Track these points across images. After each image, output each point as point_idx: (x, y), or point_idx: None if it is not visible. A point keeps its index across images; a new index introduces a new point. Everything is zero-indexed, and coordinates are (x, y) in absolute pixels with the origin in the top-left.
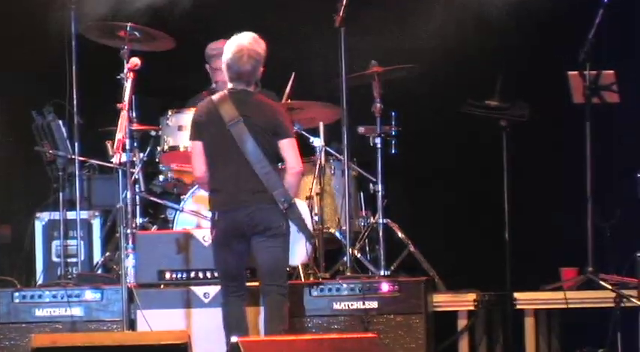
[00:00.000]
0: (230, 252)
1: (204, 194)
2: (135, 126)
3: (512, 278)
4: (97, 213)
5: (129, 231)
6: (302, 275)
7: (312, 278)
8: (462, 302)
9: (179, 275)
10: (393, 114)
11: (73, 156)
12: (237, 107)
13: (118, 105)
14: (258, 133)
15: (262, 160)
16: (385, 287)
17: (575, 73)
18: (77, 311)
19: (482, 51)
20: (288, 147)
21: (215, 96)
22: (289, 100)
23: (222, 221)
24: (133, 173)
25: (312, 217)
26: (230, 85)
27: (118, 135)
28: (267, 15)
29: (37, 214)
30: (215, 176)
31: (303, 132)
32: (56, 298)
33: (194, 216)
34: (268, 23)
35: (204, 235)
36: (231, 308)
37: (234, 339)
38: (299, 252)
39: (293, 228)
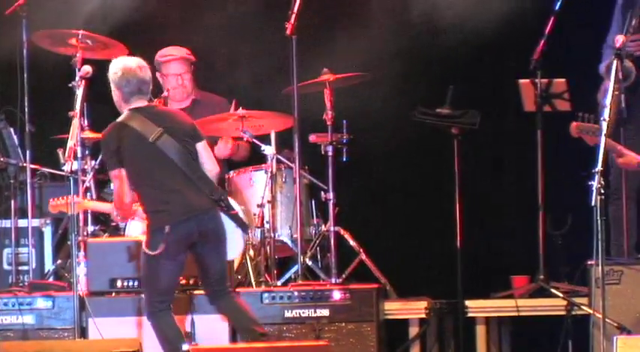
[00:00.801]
0: (176, 265)
1: None
2: (86, 134)
3: (464, 286)
4: (48, 221)
5: (80, 238)
6: (253, 283)
7: (263, 286)
8: (413, 309)
9: (131, 283)
10: (345, 122)
11: (25, 164)
12: (153, 121)
13: (69, 112)
14: (181, 141)
15: (193, 165)
16: (337, 295)
17: (527, 81)
18: (29, 319)
19: (433, 59)
20: (205, 149)
21: (121, 119)
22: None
23: (174, 233)
24: (84, 181)
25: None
26: (130, 105)
27: (70, 143)
28: (216, 20)
29: None
30: (152, 194)
31: (255, 140)
32: (7, 306)
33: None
34: (218, 29)
35: None
36: (168, 320)
37: (185, 347)
38: (237, 245)
39: (230, 223)
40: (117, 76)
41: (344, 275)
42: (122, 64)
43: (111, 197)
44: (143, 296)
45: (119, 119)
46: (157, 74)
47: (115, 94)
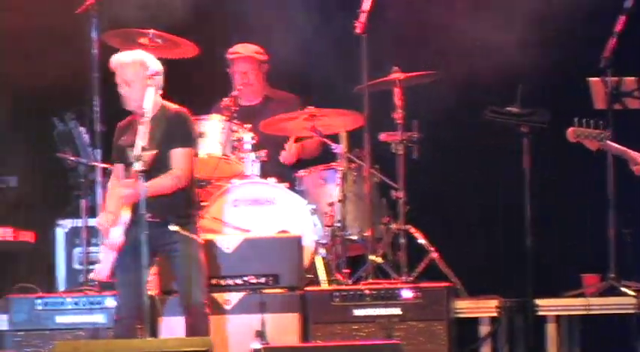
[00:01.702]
0: None
1: (226, 201)
2: None
3: (534, 285)
4: None
5: None
6: (324, 282)
7: (334, 285)
8: (484, 308)
9: None
10: (415, 120)
11: (95, 163)
12: None
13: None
14: None
15: None
16: (407, 293)
17: (597, 79)
18: (99, 318)
19: (503, 57)
20: None
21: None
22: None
23: None
24: None
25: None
26: None
27: (140, 143)
28: (286, 20)
29: (59, 221)
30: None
31: (325, 139)
32: (78, 305)
33: (216, 223)
34: (288, 28)
35: (226, 242)
36: None
37: (256, 346)
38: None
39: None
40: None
41: (414, 274)
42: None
43: None
44: (196, 290)
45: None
46: (228, 70)
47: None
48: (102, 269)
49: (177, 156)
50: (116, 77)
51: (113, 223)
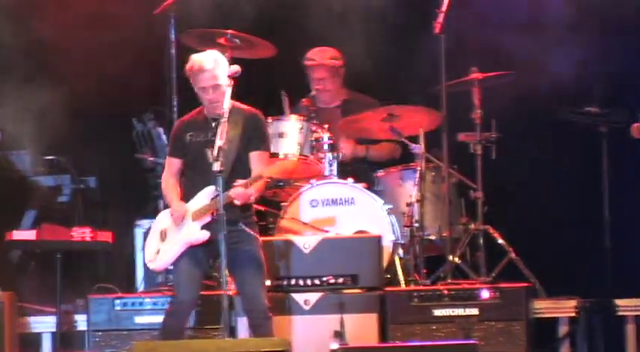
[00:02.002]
0: None
1: (304, 201)
2: None
3: (614, 285)
4: None
5: None
6: (402, 282)
7: (413, 285)
8: (562, 308)
9: (279, 283)
10: (493, 120)
11: None
12: None
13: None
14: None
15: None
16: (486, 293)
17: None
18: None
19: (579, 56)
20: None
21: None
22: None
23: None
24: None
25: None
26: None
27: (219, 143)
28: (364, 22)
29: (138, 222)
30: None
31: (404, 140)
32: (157, 305)
33: (294, 223)
34: (366, 30)
35: (304, 242)
36: None
37: (334, 346)
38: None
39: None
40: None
41: (493, 274)
42: None
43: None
44: (263, 293)
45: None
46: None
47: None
48: (165, 260)
49: (262, 158)
50: (200, 81)
51: (194, 218)
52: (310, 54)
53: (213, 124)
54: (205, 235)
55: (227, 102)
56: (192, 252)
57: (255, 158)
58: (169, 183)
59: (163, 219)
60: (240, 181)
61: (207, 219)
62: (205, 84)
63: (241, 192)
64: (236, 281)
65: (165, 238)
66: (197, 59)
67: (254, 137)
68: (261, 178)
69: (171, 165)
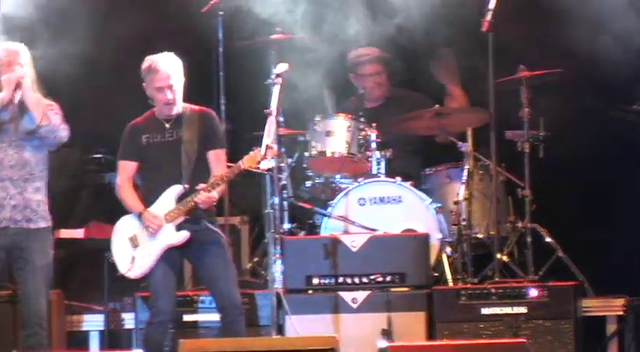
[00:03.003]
0: None
1: (352, 200)
2: (283, 131)
3: None
4: (245, 219)
5: (277, 236)
6: (450, 280)
7: (460, 284)
8: (611, 307)
9: (327, 281)
10: (541, 118)
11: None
12: None
13: (265, 110)
14: None
15: None
16: (534, 292)
17: None
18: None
19: (631, 53)
20: None
21: None
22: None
23: None
24: (280, 178)
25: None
26: None
27: (266, 141)
28: (410, 20)
29: None
30: None
31: (452, 138)
32: (205, 303)
33: (342, 222)
34: (412, 28)
35: (352, 240)
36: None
37: (382, 344)
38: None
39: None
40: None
41: (541, 273)
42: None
43: (307, 194)
44: (236, 290)
45: None
46: (350, 75)
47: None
48: (143, 267)
49: (220, 157)
50: (155, 81)
51: (168, 219)
52: (359, 51)
53: (167, 125)
54: (185, 235)
55: (274, 100)
56: (167, 255)
57: (213, 157)
58: (127, 187)
59: (127, 225)
60: (201, 185)
61: (181, 219)
62: (161, 84)
63: (205, 196)
64: (206, 280)
65: (138, 244)
66: (153, 59)
67: (210, 136)
68: (222, 182)
69: (127, 169)
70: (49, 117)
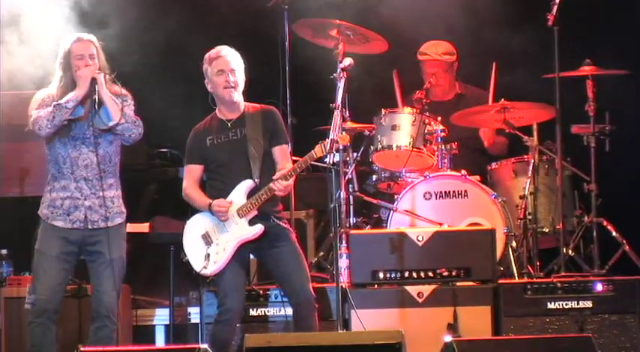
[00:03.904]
0: None
1: (418, 194)
2: (348, 126)
3: None
4: (310, 213)
5: (342, 230)
6: (516, 275)
7: (526, 278)
8: None
9: (393, 275)
10: (607, 112)
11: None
12: None
13: (331, 104)
14: None
15: None
16: (599, 286)
17: None
18: (290, 311)
19: None
20: None
21: None
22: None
23: None
24: (346, 173)
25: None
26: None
27: (332, 135)
28: (475, 13)
29: None
30: None
31: (517, 132)
32: (271, 298)
33: (408, 216)
34: (477, 22)
35: (418, 235)
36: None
37: (448, 339)
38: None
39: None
40: None
41: (607, 267)
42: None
43: (373, 188)
44: (309, 284)
45: None
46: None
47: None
48: (219, 263)
49: (285, 152)
50: (219, 64)
51: (241, 214)
52: (423, 48)
53: (229, 124)
54: (260, 229)
55: (340, 94)
56: (238, 252)
57: (278, 153)
58: (194, 188)
59: (198, 223)
60: (279, 173)
61: (254, 213)
62: (222, 67)
63: (283, 184)
64: (280, 276)
65: (211, 241)
66: (215, 48)
67: (274, 132)
68: (295, 172)
69: (193, 172)
70: (126, 114)
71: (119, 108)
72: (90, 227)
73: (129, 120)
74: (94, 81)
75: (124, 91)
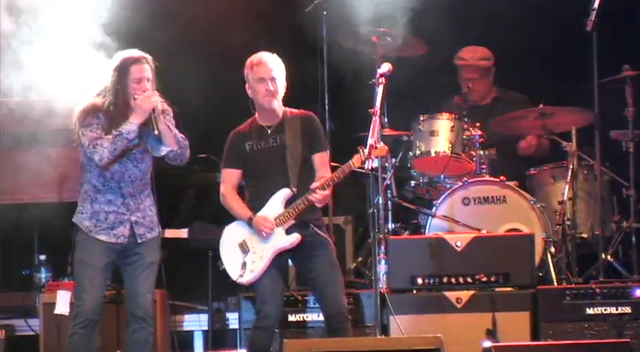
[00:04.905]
0: None
1: (456, 199)
2: (387, 132)
3: None
4: (349, 219)
5: (381, 236)
6: (555, 280)
7: (565, 284)
8: None
9: (431, 281)
10: None
11: None
12: None
13: (369, 110)
14: None
15: None
16: (638, 292)
17: None
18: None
19: None
20: None
21: None
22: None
23: None
24: (385, 178)
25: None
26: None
27: (370, 141)
28: (514, 18)
29: None
30: None
31: (556, 137)
32: (309, 303)
33: (446, 221)
34: (517, 27)
35: (456, 240)
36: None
37: (487, 344)
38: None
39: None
40: None
41: None
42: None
43: (411, 194)
44: (343, 295)
45: None
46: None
47: None
48: (256, 271)
49: (325, 159)
50: (260, 72)
51: (278, 223)
52: (461, 53)
53: (269, 131)
54: (296, 238)
55: (378, 100)
56: (275, 259)
57: (318, 159)
58: (233, 195)
59: (235, 231)
60: (315, 184)
61: (291, 222)
62: (263, 75)
63: (321, 194)
64: (314, 286)
65: (248, 249)
66: (257, 54)
67: (313, 139)
68: (332, 182)
69: (231, 177)
70: (179, 141)
71: (175, 136)
72: (139, 241)
73: (182, 145)
74: (153, 111)
75: (165, 106)
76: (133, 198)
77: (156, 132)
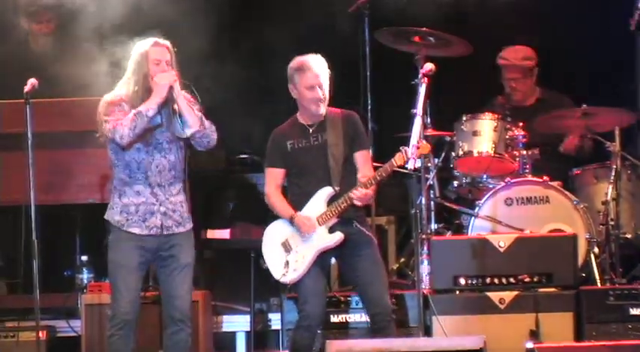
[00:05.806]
0: None
1: (499, 199)
2: (429, 132)
3: None
4: (392, 219)
5: (424, 236)
6: (598, 281)
7: (608, 284)
8: None
9: (474, 281)
10: None
11: None
12: None
13: (412, 110)
14: None
15: None
16: None
17: None
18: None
19: None
20: None
21: None
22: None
23: None
24: (427, 179)
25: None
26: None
27: (413, 141)
28: (556, 18)
29: None
30: None
31: (599, 137)
32: (352, 304)
33: (489, 222)
34: (559, 26)
35: (499, 241)
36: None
37: (530, 345)
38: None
39: None
40: None
41: None
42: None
43: (454, 194)
44: (387, 295)
45: None
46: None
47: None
48: (299, 270)
49: (367, 158)
50: (309, 78)
51: (321, 222)
52: (503, 53)
53: (311, 130)
54: (339, 237)
55: (421, 100)
56: (318, 258)
57: (360, 158)
58: (277, 194)
59: (278, 230)
60: (360, 182)
61: (334, 220)
62: (312, 82)
63: (362, 192)
64: (358, 285)
65: (291, 248)
66: (303, 59)
67: (355, 138)
68: (374, 180)
69: (275, 176)
70: (204, 121)
71: (197, 115)
72: (165, 233)
73: (207, 126)
74: (171, 88)
75: (187, 94)
76: (161, 189)
77: (173, 104)
